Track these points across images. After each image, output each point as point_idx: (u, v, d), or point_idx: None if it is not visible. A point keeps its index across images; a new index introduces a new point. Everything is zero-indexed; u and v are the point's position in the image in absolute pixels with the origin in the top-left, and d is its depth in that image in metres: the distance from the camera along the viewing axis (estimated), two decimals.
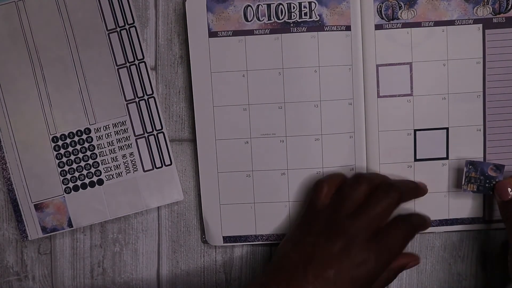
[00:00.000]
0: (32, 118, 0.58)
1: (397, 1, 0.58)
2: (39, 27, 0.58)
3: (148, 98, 0.59)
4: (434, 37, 0.59)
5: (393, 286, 0.63)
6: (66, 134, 0.58)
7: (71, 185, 0.59)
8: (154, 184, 0.59)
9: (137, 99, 0.59)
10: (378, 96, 0.59)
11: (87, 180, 0.59)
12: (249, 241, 0.60)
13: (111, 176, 0.59)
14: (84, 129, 0.58)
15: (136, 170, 0.59)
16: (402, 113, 0.59)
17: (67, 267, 0.61)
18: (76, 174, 0.59)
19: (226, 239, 0.60)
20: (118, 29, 0.58)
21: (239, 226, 0.60)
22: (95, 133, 0.58)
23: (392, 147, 0.60)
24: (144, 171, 0.59)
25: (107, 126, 0.58)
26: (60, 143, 0.58)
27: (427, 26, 0.58)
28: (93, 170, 0.59)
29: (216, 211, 0.60)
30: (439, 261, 0.63)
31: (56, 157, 0.58)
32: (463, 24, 0.58)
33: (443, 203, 0.60)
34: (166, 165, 0.59)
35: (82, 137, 0.58)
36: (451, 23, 0.58)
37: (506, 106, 0.59)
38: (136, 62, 0.58)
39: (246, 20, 0.57)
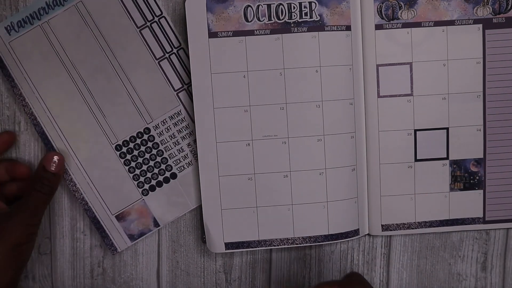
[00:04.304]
0: (90, 133, 0.58)
1: (397, 1, 0.58)
2: (70, 43, 0.57)
3: None
4: (434, 37, 0.59)
5: (393, 286, 0.63)
6: (128, 140, 0.58)
7: (146, 186, 0.59)
8: None
9: (185, 86, 0.59)
10: (378, 96, 0.59)
11: (160, 178, 0.59)
12: (252, 247, 0.59)
13: (182, 168, 0.59)
14: (144, 129, 0.58)
15: None
16: (402, 113, 0.59)
17: (67, 267, 0.61)
18: (149, 174, 0.59)
19: (228, 245, 0.60)
20: (148, 23, 0.58)
21: (242, 232, 0.60)
22: (155, 130, 0.58)
23: (392, 147, 0.60)
24: None
25: (164, 121, 0.58)
26: (124, 149, 0.58)
27: (427, 26, 0.58)
28: (163, 166, 0.59)
29: (217, 216, 0.59)
30: (439, 261, 0.63)
31: (125, 164, 0.58)
32: (463, 24, 0.59)
33: (444, 203, 0.60)
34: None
35: (143, 138, 0.58)
36: (451, 23, 0.58)
37: (506, 106, 0.59)
38: (175, 50, 0.58)
39: (247, 20, 0.57)
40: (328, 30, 0.57)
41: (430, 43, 0.59)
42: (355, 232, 0.60)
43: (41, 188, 0.55)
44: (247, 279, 0.62)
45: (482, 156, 0.60)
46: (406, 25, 0.58)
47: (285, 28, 0.57)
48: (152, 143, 0.59)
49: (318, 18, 0.57)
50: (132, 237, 0.59)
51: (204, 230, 0.59)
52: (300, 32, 0.57)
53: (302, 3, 0.57)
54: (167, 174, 0.59)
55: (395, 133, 0.59)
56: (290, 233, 0.59)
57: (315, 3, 0.57)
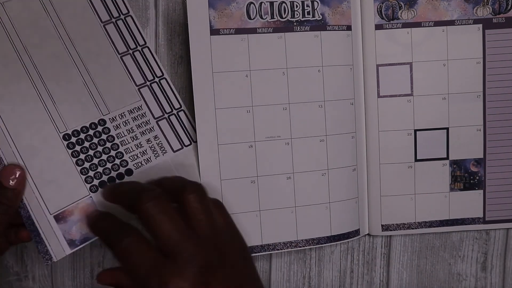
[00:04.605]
0: (34, 118, 0.52)
1: (397, 1, 0.58)
2: (25, 27, 0.53)
3: (159, 80, 0.57)
4: (434, 37, 0.59)
5: (393, 286, 0.63)
6: (79, 129, 0.53)
7: (96, 182, 0.53)
8: (188, 162, 0.57)
9: (148, 83, 0.56)
10: (378, 96, 0.59)
11: (113, 173, 0.54)
12: (255, 252, 0.58)
13: (139, 164, 0.55)
14: (98, 121, 0.54)
15: (165, 152, 0.56)
16: (403, 113, 0.59)
17: (67, 267, 0.61)
18: (100, 169, 0.53)
19: None
20: (114, 20, 0.56)
21: (244, 237, 0.58)
22: (111, 123, 0.54)
23: (392, 147, 0.60)
24: (174, 151, 0.56)
25: (122, 114, 0.55)
26: (73, 139, 0.53)
27: (427, 26, 0.59)
28: (117, 161, 0.54)
29: None
30: (439, 261, 0.63)
31: (72, 155, 0.53)
32: (463, 24, 0.59)
33: (444, 204, 0.60)
34: (194, 142, 0.57)
35: (97, 129, 0.54)
36: (451, 23, 0.59)
37: (506, 106, 0.59)
38: (139, 48, 0.57)
39: (249, 17, 0.56)
40: (330, 30, 0.57)
41: (430, 43, 0.59)
42: (356, 233, 0.60)
43: None
44: None
45: (482, 156, 0.60)
46: (406, 25, 0.59)
47: (287, 27, 0.57)
48: (106, 135, 0.54)
49: (320, 18, 0.57)
50: (72, 243, 0.52)
51: None
52: (302, 31, 0.57)
53: (305, 2, 0.57)
54: (122, 170, 0.54)
55: (395, 133, 0.60)
56: (293, 236, 0.59)
57: (317, 2, 0.57)
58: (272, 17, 0.57)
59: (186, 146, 0.57)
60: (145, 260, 0.44)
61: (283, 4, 0.57)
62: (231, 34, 0.56)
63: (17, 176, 0.50)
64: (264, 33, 0.57)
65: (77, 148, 0.53)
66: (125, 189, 0.49)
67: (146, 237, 0.45)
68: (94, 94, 0.54)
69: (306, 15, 0.57)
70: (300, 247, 0.59)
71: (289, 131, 0.58)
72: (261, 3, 0.56)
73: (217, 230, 0.48)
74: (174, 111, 0.57)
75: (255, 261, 0.61)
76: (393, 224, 0.61)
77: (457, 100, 0.59)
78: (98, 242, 0.60)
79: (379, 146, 0.60)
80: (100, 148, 0.54)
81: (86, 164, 0.53)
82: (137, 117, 0.55)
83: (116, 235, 0.46)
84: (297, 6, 0.57)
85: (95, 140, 0.54)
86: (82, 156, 0.53)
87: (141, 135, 0.55)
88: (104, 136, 0.54)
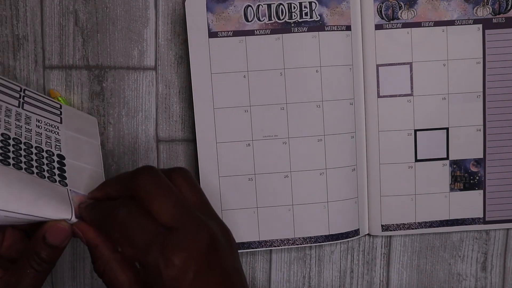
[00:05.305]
0: None
1: (397, 1, 0.58)
2: None
3: None
4: (434, 37, 0.59)
5: (393, 286, 0.63)
6: None
7: (57, 178, 0.47)
8: (77, 122, 0.55)
9: None
10: (378, 96, 0.59)
11: (55, 164, 0.48)
12: (252, 248, 0.59)
13: (57, 146, 0.50)
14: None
15: (57, 125, 0.53)
16: (402, 113, 0.59)
17: (67, 267, 0.61)
18: (45, 167, 0.47)
19: None
20: None
21: (242, 233, 0.59)
22: (0, 128, 0.48)
23: (392, 147, 0.60)
24: (60, 122, 0.53)
25: None
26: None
27: (427, 26, 0.59)
28: (44, 154, 0.49)
29: None
30: (439, 261, 0.63)
31: (18, 169, 0.45)
32: (463, 24, 0.59)
33: (444, 204, 0.60)
34: (60, 108, 0.56)
35: (2, 139, 0.47)
36: (451, 23, 0.58)
37: (506, 106, 0.59)
38: None
39: (247, 20, 0.57)
40: (328, 30, 0.57)
41: (430, 43, 0.59)
42: (355, 232, 0.60)
43: (38, 265, 0.44)
44: (247, 279, 0.62)
45: (482, 156, 0.60)
46: (406, 25, 0.58)
47: (285, 28, 0.57)
48: (12, 139, 0.47)
49: (318, 18, 0.57)
50: None
51: None
52: (300, 32, 0.57)
53: (302, 3, 0.57)
54: (55, 157, 0.49)
55: (395, 133, 0.60)
56: (291, 233, 0.59)
57: (315, 3, 0.57)
58: (270, 19, 0.57)
59: (60, 112, 0.55)
60: (145, 229, 0.41)
61: (281, 6, 0.57)
62: (229, 36, 0.57)
63: (62, 232, 0.44)
64: (261, 34, 0.57)
65: (11, 161, 0.45)
66: (95, 214, 0.45)
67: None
68: None
69: (303, 16, 0.57)
70: (298, 244, 0.59)
71: (287, 131, 0.58)
72: (258, 5, 0.57)
73: (192, 209, 0.43)
74: (22, 93, 0.53)
75: (253, 255, 0.62)
76: (393, 224, 0.61)
77: (457, 100, 0.59)
78: None
79: (379, 146, 0.60)
80: (22, 152, 0.47)
81: (34, 170, 0.46)
82: (7, 113, 0.49)
83: (111, 210, 0.43)
84: (294, 8, 0.57)
85: (11, 148, 0.47)
86: (23, 165, 0.46)
87: (28, 124, 0.50)
88: (11, 141, 0.47)
